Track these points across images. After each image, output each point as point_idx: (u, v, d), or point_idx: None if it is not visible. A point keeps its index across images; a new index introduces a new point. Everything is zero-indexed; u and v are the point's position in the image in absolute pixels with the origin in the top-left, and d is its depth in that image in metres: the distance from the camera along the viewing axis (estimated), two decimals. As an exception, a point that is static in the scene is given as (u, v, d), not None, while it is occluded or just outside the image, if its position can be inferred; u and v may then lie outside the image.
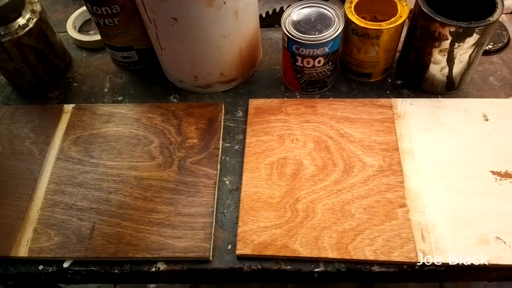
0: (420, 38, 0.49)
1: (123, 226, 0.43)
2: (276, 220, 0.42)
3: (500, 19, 0.58)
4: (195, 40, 0.49)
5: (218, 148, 0.48)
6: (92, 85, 0.57)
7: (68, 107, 0.53)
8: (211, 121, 0.51)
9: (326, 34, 0.48)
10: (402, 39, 0.53)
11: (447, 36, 0.46)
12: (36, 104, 0.56)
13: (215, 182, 0.45)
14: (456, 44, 0.47)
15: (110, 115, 0.52)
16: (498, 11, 0.46)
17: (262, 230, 0.41)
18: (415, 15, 0.49)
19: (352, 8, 0.50)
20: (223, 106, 0.52)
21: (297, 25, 0.49)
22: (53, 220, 0.44)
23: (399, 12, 0.49)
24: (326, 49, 0.49)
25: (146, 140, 0.49)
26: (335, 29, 0.48)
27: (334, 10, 0.50)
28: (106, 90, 0.57)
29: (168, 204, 0.44)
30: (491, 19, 0.45)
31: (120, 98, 0.56)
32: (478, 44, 0.47)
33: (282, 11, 0.62)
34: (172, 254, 0.41)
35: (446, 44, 0.47)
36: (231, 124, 0.52)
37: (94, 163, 0.48)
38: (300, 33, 0.48)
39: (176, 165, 0.47)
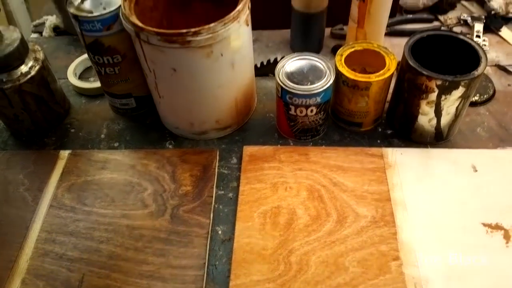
0: (408, 90, 0.51)
1: (113, 278, 0.42)
2: (269, 274, 0.41)
3: (485, 72, 0.61)
4: (193, 90, 0.51)
5: (212, 196, 0.49)
6: (89, 131, 0.58)
7: (64, 153, 0.54)
8: (206, 168, 0.51)
9: (318, 85, 0.50)
10: (391, 90, 0.55)
11: (434, 89, 0.48)
12: (33, 149, 0.56)
13: (208, 231, 0.45)
14: (443, 97, 0.48)
15: (105, 161, 0.53)
16: (482, 65, 0.48)
17: (254, 285, 0.41)
18: (403, 68, 0.51)
19: (343, 60, 0.53)
20: (217, 153, 0.53)
21: (290, 76, 0.51)
22: (42, 271, 0.43)
23: (387, 65, 0.52)
24: (318, 99, 0.50)
25: (140, 187, 0.50)
26: (327, 80, 0.50)
27: (325, 62, 0.52)
28: (102, 136, 0.58)
29: (159, 255, 0.43)
30: (476, 73, 0.47)
31: (116, 144, 0.56)
32: (464, 97, 0.49)
33: (276, 61, 0.65)
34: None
35: (433, 96, 0.49)
36: (225, 171, 0.52)
37: (86, 211, 0.48)
38: (293, 83, 0.50)
39: (169, 214, 0.47)
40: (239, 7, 0.48)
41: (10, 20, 1.61)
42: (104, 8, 0.51)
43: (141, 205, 0.48)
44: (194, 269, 0.42)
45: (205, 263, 0.43)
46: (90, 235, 0.45)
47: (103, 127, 0.59)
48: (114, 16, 0.51)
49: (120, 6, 0.50)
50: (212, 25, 0.46)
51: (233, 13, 0.47)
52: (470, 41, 0.51)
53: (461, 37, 0.52)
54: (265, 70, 0.65)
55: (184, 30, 0.45)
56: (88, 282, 0.42)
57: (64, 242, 0.45)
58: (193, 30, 0.45)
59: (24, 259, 0.44)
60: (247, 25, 0.51)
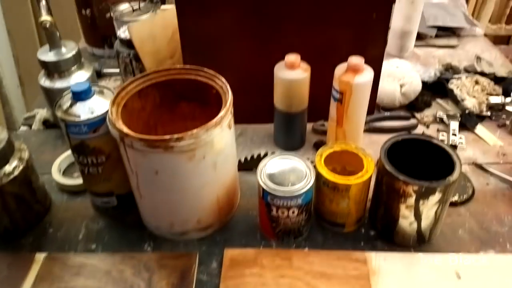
0: (386, 193, 0.52)
1: None
2: None
3: (463, 171, 0.63)
4: (174, 190, 0.51)
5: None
6: (68, 231, 0.57)
7: (40, 257, 0.52)
8: (184, 274, 0.50)
9: (298, 187, 0.50)
10: (371, 187, 0.55)
11: (411, 193, 0.49)
12: (9, 250, 0.54)
13: None
14: (421, 201, 0.49)
15: (80, 266, 0.51)
16: (457, 171, 0.49)
17: None
18: (380, 171, 0.52)
19: (322, 161, 0.54)
20: (197, 257, 0.52)
21: (271, 177, 0.52)
22: None
23: (365, 167, 0.53)
24: (299, 201, 0.51)
25: None
26: (307, 182, 0.51)
27: (306, 163, 0.53)
28: (80, 237, 0.56)
29: None
30: (451, 179, 0.48)
31: (93, 246, 0.55)
32: (442, 201, 0.49)
33: (259, 157, 0.66)
34: None
35: (411, 201, 0.49)
36: (205, 278, 0.51)
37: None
38: (275, 185, 0.51)
39: None
40: (221, 113, 0.50)
41: (5, 102, 1.66)
42: (92, 112, 0.53)
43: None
44: None
45: None
46: None
47: (82, 226, 0.58)
48: (101, 120, 0.53)
49: (107, 110, 0.52)
50: (194, 131, 0.47)
51: (215, 119, 0.49)
52: (443, 146, 0.53)
53: (435, 141, 0.54)
54: (249, 165, 0.66)
55: (167, 137, 0.47)
56: None
57: None
58: (176, 136, 0.47)
59: None
60: (230, 128, 0.53)
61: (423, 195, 0.48)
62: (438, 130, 0.71)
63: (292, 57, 0.61)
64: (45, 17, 0.59)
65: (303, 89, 0.63)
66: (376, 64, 0.67)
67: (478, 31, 0.96)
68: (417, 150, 0.54)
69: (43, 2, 0.62)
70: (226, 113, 0.50)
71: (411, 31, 0.86)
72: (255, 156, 0.66)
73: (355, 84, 0.59)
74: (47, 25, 0.59)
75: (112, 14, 0.78)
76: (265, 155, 0.66)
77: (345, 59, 0.60)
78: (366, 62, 0.60)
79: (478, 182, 0.62)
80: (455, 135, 0.69)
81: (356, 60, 0.59)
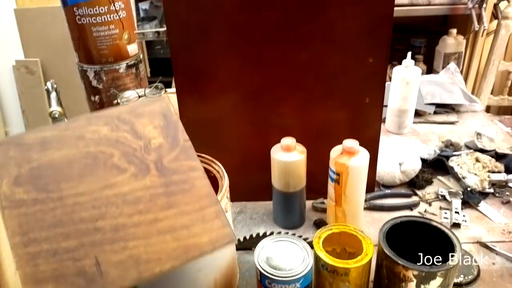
0: (387, 277, 0.50)
1: (132, 246, 0.38)
2: None
3: (468, 249, 0.61)
4: (169, 275, 0.51)
5: (188, 140, 0.45)
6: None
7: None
8: (166, 115, 0.46)
9: (296, 270, 0.49)
10: (373, 268, 0.54)
11: (411, 278, 0.47)
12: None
13: (203, 171, 0.43)
14: (422, 286, 0.47)
15: (42, 142, 0.42)
16: (456, 256, 0.48)
17: None
18: (380, 254, 0.51)
19: (320, 244, 0.53)
20: (169, 99, 0.48)
21: (269, 260, 0.51)
22: (42, 274, 0.35)
23: (364, 249, 0.52)
24: (298, 285, 0.49)
25: (104, 155, 0.42)
26: (305, 265, 0.50)
27: (304, 245, 0.52)
28: None
29: (168, 208, 0.40)
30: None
31: None
32: (444, 285, 0.48)
33: (258, 236, 0.66)
34: (200, 252, 0.39)
35: (412, 285, 0.48)
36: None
37: (56, 197, 0.39)
38: (272, 269, 0.50)
39: (154, 169, 0.42)
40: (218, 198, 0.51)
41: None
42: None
43: (117, 171, 0.41)
44: (210, 206, 0.41)
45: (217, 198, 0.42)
46: (78, 218, 0.38)
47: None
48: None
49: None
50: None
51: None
52: (443, 228, 0.52)
53: (434, 223, 0.53)
54: (248, 244, 0.65)
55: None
56: (107, 262, 0.36)
57: (50, 237, 0.37)
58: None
59: (9, 272, 0.38)
60: (226, 211, 0.53)
61: (423, 279, 0.47)
62: (440, 208, 0.70)
63: (288, 140, 0.63)
64: (54, 108, 0.64)
65: (300, 170, 0.65)
66: (372, 145, 0.69)
67: (477, 106, 0.98)
68: (417, 231, 0.54)
69: (54, 94, 0.68)
70: (222, 197, 0.52)
71: (408, 109, 0.88)
72: (254, 235, 0.66)
73: (350, 166, 0.60)
74: (56, 115, 0.64)
75: (119, 100, 0.84)
76: (264, 235, 0.65)
77: (341, 141, 0.62)
78: (362, 143, 0.62)
79: (484, 262, 0.59)
80: (457, 213, 0.68)
81: (350, 143, 0.61)
